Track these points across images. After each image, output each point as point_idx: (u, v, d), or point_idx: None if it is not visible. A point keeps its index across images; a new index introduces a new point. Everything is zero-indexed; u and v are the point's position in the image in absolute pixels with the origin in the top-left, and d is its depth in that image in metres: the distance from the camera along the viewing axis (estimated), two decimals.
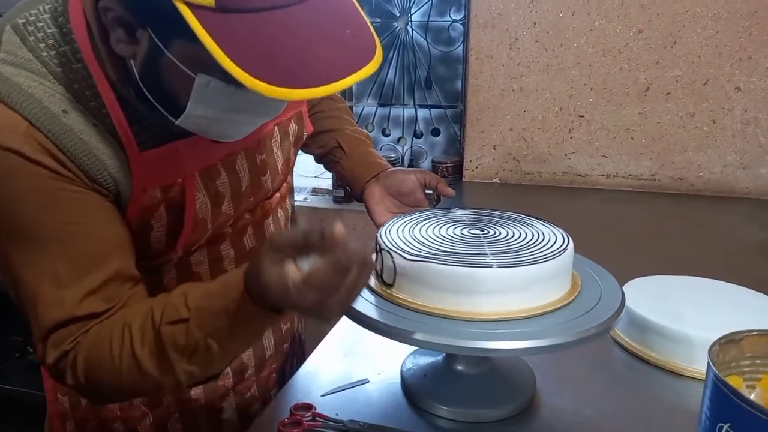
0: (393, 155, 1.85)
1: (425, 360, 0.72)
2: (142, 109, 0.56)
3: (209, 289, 0.54)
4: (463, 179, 1.72)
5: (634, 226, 1.35)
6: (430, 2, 1.77)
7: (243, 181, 0.68)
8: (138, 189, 0.57)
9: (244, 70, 0.43)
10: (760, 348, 0.48)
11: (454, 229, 0.68)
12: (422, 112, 1.87)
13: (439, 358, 0.71)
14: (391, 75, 1.86)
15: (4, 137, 0.50)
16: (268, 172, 0.72)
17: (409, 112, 1.88)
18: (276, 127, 0.72)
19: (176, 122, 0.54)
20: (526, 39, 1.57)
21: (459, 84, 1.82)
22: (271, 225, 0.76)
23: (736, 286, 0.86)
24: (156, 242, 0.61)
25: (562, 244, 0.62)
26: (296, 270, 0.48)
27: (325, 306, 0.48)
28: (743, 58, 1.43)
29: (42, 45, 0.53)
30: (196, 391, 0.73)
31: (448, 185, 0.94)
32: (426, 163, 1.91)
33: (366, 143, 0.92)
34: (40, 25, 0.53)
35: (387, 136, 1.93)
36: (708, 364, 0.45)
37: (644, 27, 1.48)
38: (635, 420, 0.65)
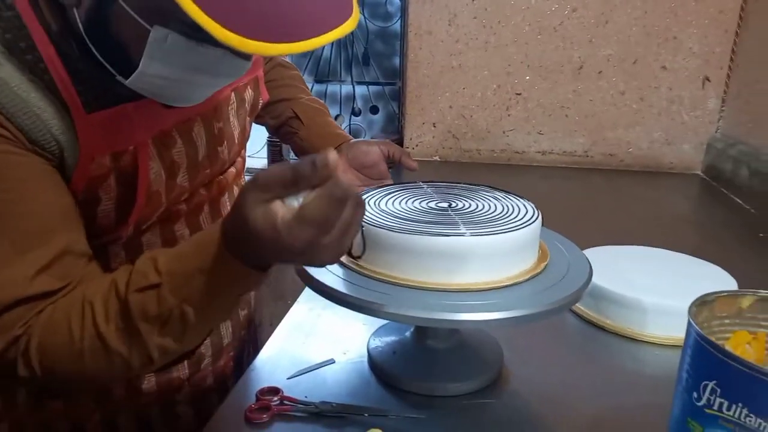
0: None
1: (392, 337, 0.70)
2: (86, 66, 0.50)
3: (181, 249, 0.49)
4: None
5: (571, 200, 1.39)
6: None
7: (200, 151, 0.63)
8: (85, 155, 0.51)
9: (214, 20, 0.39)
10: (728, 308, 0.50)
11: (422, 202, 0.67)
12: (360, 89, 1.84)
13: (407, 333, 0.70)
14: (327, 51, 1.81)
15: None
16: (225, 141, 0.67)
17: (346, 89, 1.85)
18: (233, 93, 0.67)
19: (126, 82, 0.49)
20: (464, 15, 1.57)
21: (397, 61, 1.80)
22: (228, 203, 0.71)
23: (677, 253, 0.90)
24: (104, 217, 0.55)
25: (532, 215, 0.62)
26: (285, 208, 0.43)
27: (319, 246, 0.43)
28: (669, 38, 1.50)
29: None
30: (148, 384, 0.68)
31: (388, 164, 0.91)
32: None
33: (324, 113, 0.88)
34: None
35: None
36: (689, 323, 0.46)
37: (578, 6, 1.51)
38: (598, 385, 0.67)
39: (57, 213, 0.50)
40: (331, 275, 0.60)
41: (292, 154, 1.75)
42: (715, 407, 0.42)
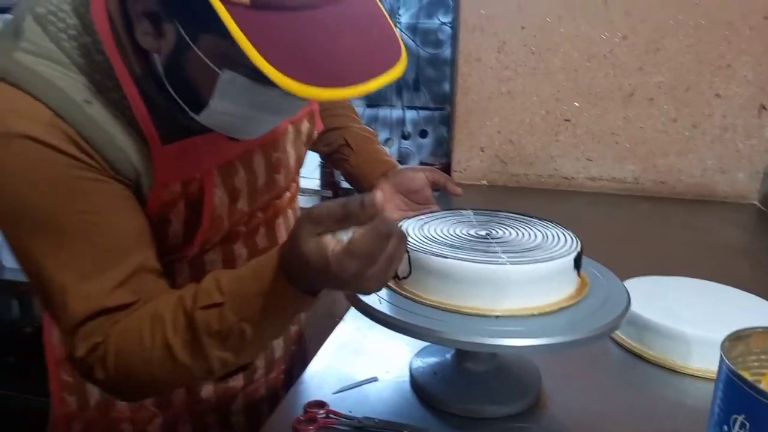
0: None
1: (434, 359, 0.73)
2: (164, 103, 0.56)
3: (242, 272, 0.54)
4: None
5: (618, 228, 1.39)
6: (418, 5, 1.79)
7: (259, 179, 0.68)
8: (159, 183, 0.57)
9: (276, 68, 0.44)
10: (764, 344, 0.51)
11: (462, 229, 0.70)
12: (410, 114, 1.89)
13: (448, 356, 0.72)
14: None
15: (27, 126, 0.50)
16: (282, 169, 0.72)
17: (397, 113, 1.90)
18: (290, 126, 0.73)
19: (197, 118, 0.54)
20: (514, 43, 1.59)
21: (447, 86, 1.84)
22: (282, 225, 0.77)
23: (725, 286, 0.89)
24: (173, 237, 0.61)
25: (571, 244, 0.64)
26: (335, 241, 0.47)
27: (365, 277, 0.48)
28: (722, 66, 1.48)
29: (63, 36, 0.53)
30: (206, 392, 0.73)
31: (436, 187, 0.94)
32: (413, 165, 1.93)
33: (373, 141, 0.93)
34: (61, 15, 0.53)
35: None
36: (720, 358, 0.47)
37: (628, 33, 1.52)
38: (637, 416, 0.68)
39: (134, 233, 0.56)
40: (376, 297, 0.64)
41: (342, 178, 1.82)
42: None
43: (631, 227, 1.39)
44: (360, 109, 1.91)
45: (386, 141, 1.93)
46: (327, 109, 0.92)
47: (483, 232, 0.69)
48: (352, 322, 0.86)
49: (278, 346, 0.81)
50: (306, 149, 0.79)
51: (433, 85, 1.85)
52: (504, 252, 0.63)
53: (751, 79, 1.47)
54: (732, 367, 0.45)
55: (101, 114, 0.53)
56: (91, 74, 0.53)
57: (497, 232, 0.69)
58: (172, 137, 0.57)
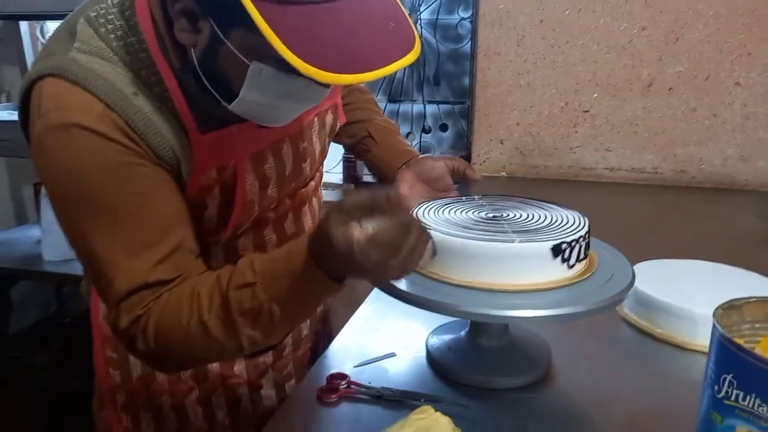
0: None
1: (449, 335, 0.77)
2: (200, 95, 0.61)
3: (274, 254, 0.59)
4: None
5: (638, 216, 1.40)
6: (439, 0, 1.82)
7: (287, 167, 0.73)
8: (197, 168, 0.62)
9: (300, 57, 0.48)
10: (758, 313, 0.54)
11: (476, 212, 0.74)
12: (431, 108, 1.93)
13: (463, 333, 0.76)
14: (400, 72, 1.91)
15: (83, 118, 0.55)
16: (308, 159, 0.77)
17: (417, 107, 1.94)
18: (315, 117, 0.77)
19: (229, 107, 0.60)
20: (532, 36, 1.62)
21: (467, 80, 1.87)
22: (308, 212, 0.82)
23: (736, 268, 0.91)
24: (208, 221, 0.66)
25: (579, 224, 0.68)
26: (361, 230, 0.52)
27: (387, 266, 0.52)
28: (743, 54, 1.48)
29: (112, 36, 0.58)
30: (239, 368, 0.79)
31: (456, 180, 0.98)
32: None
33: (395, 132, 0.97)
34: (109, 17, 0.59)
35: None
36: (713, 325, 0.50)
37: (647, 24, 1.53)
38: (644, 390, 0.71)
39: (175, 214, 0.61)
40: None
41: (365, 170, 1.86)
42: (732, 398, 0.46)
43: (650, 216, 1.41)
44: (382, 104, 1.96)
45: (407, 135, 1.97)
46: (350, 102, 0.96)
47: (493, 214, 0.73)
48: (372, 304, 0.91)
49: (305, 325, 0.86)
50: (330, 141, 0.84)
51: (453, 79, 1.89)
52: (513, 231, 0.67)
53: None
54: (722, 331, 0.48)
55: (147, 105, 0.58)
56: (137, 70, 0.59)
57: (507, 214, 0.73)
58: (209, 127, 0.63)
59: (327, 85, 0.59)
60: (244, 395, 0.80)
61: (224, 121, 0.64)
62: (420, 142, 1.96)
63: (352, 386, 0.69)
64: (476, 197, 0.79)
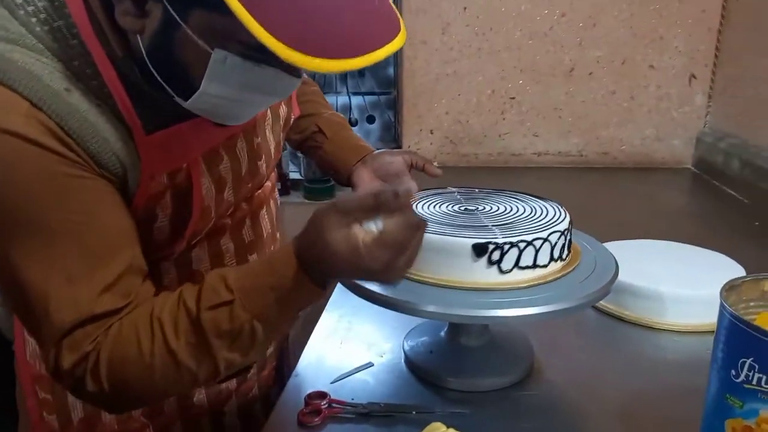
0: None
1: (426, 338, 0.73)
2: (147, 89, 0.52)
3: (252, 267, 0.52)
4: None
5: (568, 199, 1.41)
6: None
7: (243, 166, 0.65)
8: (146, 174, 0.53)
9: (278, 40, 0.41)
10: (753, 292, 0.54)
11: (451, 206, 0.70)
12: (356, 100, 1.87)
13: (441, 333, 0.73)
14: None
15: (4, 119, 0.45)
16: (263, 156, 0.69)
17: (342, 99, 1.88)
18: (269, 110, 0.70)
19: (185, 104, 0.51)
20: (457, 24, 1.61)
21: (391, 70, 1.83)
22: (266, 216, 0.74)
23: (683, 244, 0.94)
24: (159, 233, 0.58)
25: (559, 215, 0.66)
26: (365, 231, 0.48)
27: (394, 266, 0.48)
28: (655, 39, 1.55)
29: (33, 19, 0.48)
30: (199, 397, 0.70)
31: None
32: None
33: (346, 127, 0.91)
34: None
35: None
36: (721, 306, 0.49)
37: (566, 10, 1.56)
38: (624, 372, 0.71)
39: (121, 233, 0.52)
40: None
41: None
42: (754, 382, 0.45)
43: (580, 197, 1.44)
44: None
45: None
46: (297, 95, 0.89)
47: (471, 208, 0.69)
48: (335, 311, 0.85)
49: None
50: (284, 135, 0.77)
51: (377, 69, 1.84)
52: (494, 225, 0.64)
53: (682, 50, 1.55)
54: (736, 313, 0.47)
55: (82, 103, 0.49)
56: (68, 60, 0.49)
57: (484, 207, 0.70)
58: (157, 125, 0.54)
59: (299, 75, 0.52)
60: (206, 426, 0.72)
61: (173, 117, 0.55)
62: None
63: (335, 405, 0.63)
64: (451, 189, 0.76)
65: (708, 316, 0.78)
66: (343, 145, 0.88)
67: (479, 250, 0.60)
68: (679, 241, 0.95)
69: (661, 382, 0.69)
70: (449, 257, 0.61)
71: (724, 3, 1.49)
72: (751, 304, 0.54)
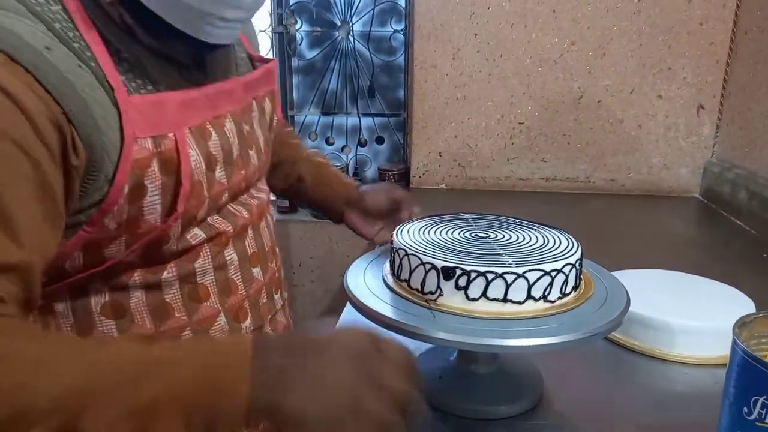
0: (338, 164, 1.85)
1: (437, 362, 0.73)
2: (127, 50, 0.55)
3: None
4: (411, 185, 1.76)
5: (574, 225, 1.42)
6: (371, 12, 1.80)
7: (233, 148, 0.66)
8: (128, 135, 0.53)
9: None
10: (765, 328, 0.54)
11: (463, 232, 0.71)
12: (366, 121, 1.89)
13: (451, 359, 0.73)
14: (333, 84, 1.87)
15: None
16: (254, 146, 0.71)
17: (352, 120, 1.90)
18: (253, 102, 0.72)
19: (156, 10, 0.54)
20: (468, 49, 1.63)
21: (401, 92, 1.86)
22: (266, 229, 0.75)
23: (692, 275, 0.94)
24: (150, 211, 0.56)
25: (571, 246, 0.66)
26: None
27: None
28: (664, 69, 1.57)
29: None
30: None
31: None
32: (371, 171, 1.93)
33: (327, 165, 0.96)
34: None
35: (331, 144, 1.93)
36: (734, 342, 0.50)
37: (576, 39, 1.59)
38: (634, 406, 0.70)
39: (43, 219, 0.48)
40: (380, 302, 0.64)
41: None
42: (767, 421, 0.46)
43: (587, 224, 1.45)
44: (315, 117, 1.90)
45: (342, 148, 1.93)
46: (275, 137, 0.89)
47: (483, 235, 0.70)
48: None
49: None
50: (271, 136, 0.79)
51: (387, 91, 1.86)
52: (507, 254, 0.64)
53: (690, 81, 1.56)
54: (748, 350, 0.47)
55: (63, 62, 0.49)
56: (50, 22, 0.50)
57: (496, 234, 0.70)
58: (138, 90, 0.55)
59: None
60: None
61: (156, 84, 0.57)
62: (356, 155, 1.92)
63: None
64: (462, 215, 0.76)
65: (717, 349, 0.78)
66: (326, 189, 0.93)
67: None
68: (685, 271, 0.95)
69: (672, 416, 0.68)
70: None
71: (732, 36, 1.51)
72: (763, 340, 0.55)
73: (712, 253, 1.26)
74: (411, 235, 0.69)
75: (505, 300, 0.61)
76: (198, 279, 0.64)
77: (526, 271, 0.60)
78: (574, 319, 0.61)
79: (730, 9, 1.50)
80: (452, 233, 0.71)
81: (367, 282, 0.69)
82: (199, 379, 0.43)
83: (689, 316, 0.80)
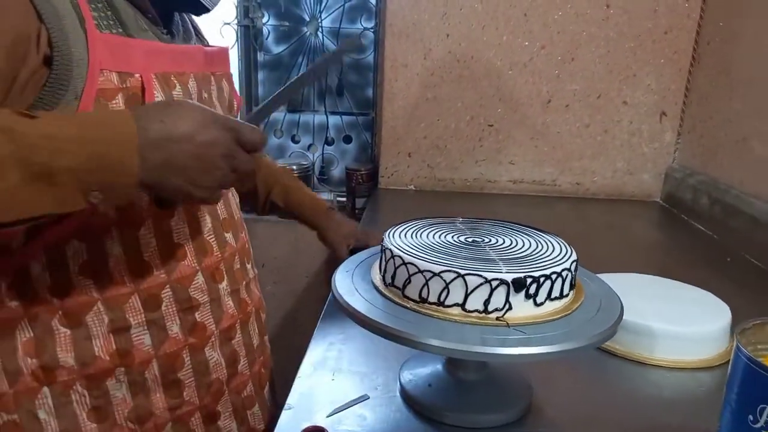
0: (305, 163, 1.81)
1: (424, 370, 0.71)
2: None
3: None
4: (379, 186, 1.74)
5: (543, 228, 1.45)
6: (341, 9, 1.76)
7: None
8: (95, 64, 0.55)
9: None
10: (761, 335, 0.54)
11: (455, 236, 0.69)
12: (333, 119, 1.86)
13: (439, 366, 0.71)
14: None
15: None
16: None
17: (319, 118, 1.86)
18: (212, 76, 0.73)
19: None
20: (439, 50, 1.62)
21: (370, 91, 1.83)
22: (232, 201, 0.78)
23: (669, 279, 0.96)
24: None
25: (565, 252, 0.65)
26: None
27: (215, 168, 0.53)
28: (629, 76, 1.60)
29: None
30: (188, 392, 0.68)
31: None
32: (338, 171, 1.90)
33: (296, 190, 1.05)
34: None
35: (297, 142, 1.88)
36: (737, 349, 0.49)
37: (546, 43, 1.60)
38: (621, 411, 0.70)
39: None
40: (371, 306, 0.62)
41: None
42: None
43: (554, 227, 1.44)
44: (281, 114, 1.85)
45: (309, 147, 1.89)
46: None
47: (475, 239, 0.68)
48: (322, 339, 0.82)
49: (254, 333, 0.80)
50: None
51: (356, 90, 1.83)
52: (500, 259, 0.63)
53: (654, 88, 1.60)
54: (753, 358, 0.47)
55: None
56: None
57: (489, 239, 0.69)
58: (109, 29, 0.58)
59: None
60: (199, 427, 0.70)
61: (123, 28, 0.60)
62: (323, 153, 1.88)
63: None
64: (452, 219, 0.75)
65: (696, 353, 0.80)
66: (299, 209, 1.05)
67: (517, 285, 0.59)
68: (654, 275, 0.97)
69: (659, 420, 0.68)
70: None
71: (695, 46, 1.56)
72: (759, 346, 0.55)
73: (677, 257, 1.29)
74: (400, 236, 0.67)
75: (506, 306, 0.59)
76: (175, 238, 0.66)
77: (523, 277, 0.59)
78: (571, 327, 0.60)
79: (694, 20, 1.54)
80: (445, 237, 0.69)
81: (356, 285, 0.67)
82: (92, 156, 0.48)
83: (670, 321, 0.81)
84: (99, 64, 0.55)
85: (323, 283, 1.72)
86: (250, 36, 1.79)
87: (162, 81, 0.62)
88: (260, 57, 1.82)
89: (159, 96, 0.60)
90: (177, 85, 0.64)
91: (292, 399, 0.69)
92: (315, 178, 1.88)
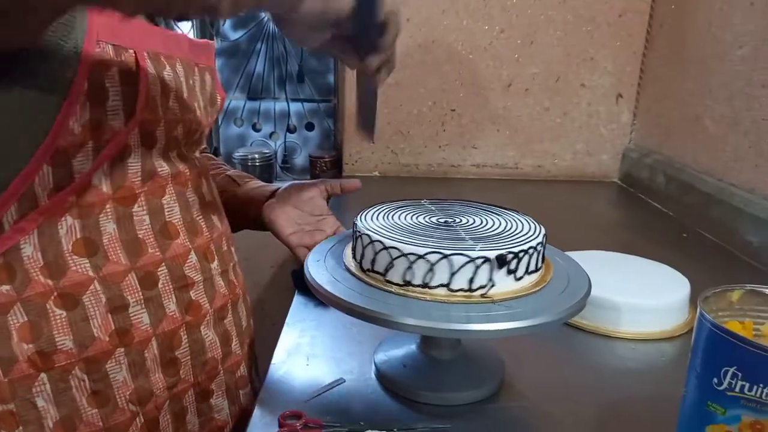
0: (266, 151, 1.79)
1: (398, 350, 0.72)
2: None
3: None
4: (343, 173, 1.73)
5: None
6: None
7: (183, 89, 0.67)
8: (92, 31, 0.54)
9: None
10: (721, 302, 0.57)
11: (426, 217, 0.69)
12: (295, 106, 1.84)
13: (413, 347, 0.71)
14: (260, 67, 1.79)
15: None
16: (200, 101, 0.71)
17: (280, 105, 1.83)
18: (196, 69, 0.71)
19: None
20: (401, 35, 1.61)
21: (332, 78, 1.82)
22: (214, 188, 0.77)
23: (630, 255, 0.99)
24: (113, 117, 0.57)
25: (535, 230, 0.67)
26: None
27: None
28: (587, 59, 1.64)
29: None
30: (185, 369, 0.68)
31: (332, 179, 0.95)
32: (301, 159, 1.88)
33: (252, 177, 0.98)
34: None
35: (258, 131, 1.85)
36: (701, 315, 0.51)
37: (505, 27, 1.61)
38: (591, 380, 0.72)
39: None
40: (343, 287, 0.61)
41: None
42: (737, 390, 0.48)
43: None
44: (241, 102, 1.82)
45: (271, 135, 1.86)
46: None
47: (446, 220, 0.69)
48: (295, 325, 0.82)
49: (243, 314, 0.80)
50: (213, 112, 0.78)
51: (317, 76, 1.82)
52: (471, 238, 0.63)
53: (610, 70, 1.64)
54: (717, 323, 0.49)
55: None
56: None
57: (460, 219, 0.69)
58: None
59: None
60: (191, 406, 0.70)
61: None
62: (285, 142, 1.86)
63: (311, 425, 0.60)
64: (424, 201, 0.75)
65: (657, 325, 0.83)
66: (250, 191, 0.92)
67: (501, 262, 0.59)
68: (615, 251, 1.00)
69: (628, 390, 0.71)
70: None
71: (648, 28, 1.60)
72: (720, 313, 0.57)
73: (636, 234, 1.33)
74: (372, 218, 0.67)
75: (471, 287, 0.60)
76: (167, 216, 0.65)
77: (505, 253, 0.60)
78: (540, 303, 0.62)
79: (647, 2, 1.58)
80: (416, 218, 0.69)
81: (329, 267, 0.67)
82: None
83: (633, 295, 0.83)
84: (96, 34, 0.55)
85: (289, 274, 1.71)
86: (206, 22, 1.75)
87: (154, 59, 0.61)
88: (217, 44, 1.78)
89: (152, 71, 0.60)
90: (167, 66, 0.64)
91: (267, 386, 0.68)
92: (278, 167, 1.86)
